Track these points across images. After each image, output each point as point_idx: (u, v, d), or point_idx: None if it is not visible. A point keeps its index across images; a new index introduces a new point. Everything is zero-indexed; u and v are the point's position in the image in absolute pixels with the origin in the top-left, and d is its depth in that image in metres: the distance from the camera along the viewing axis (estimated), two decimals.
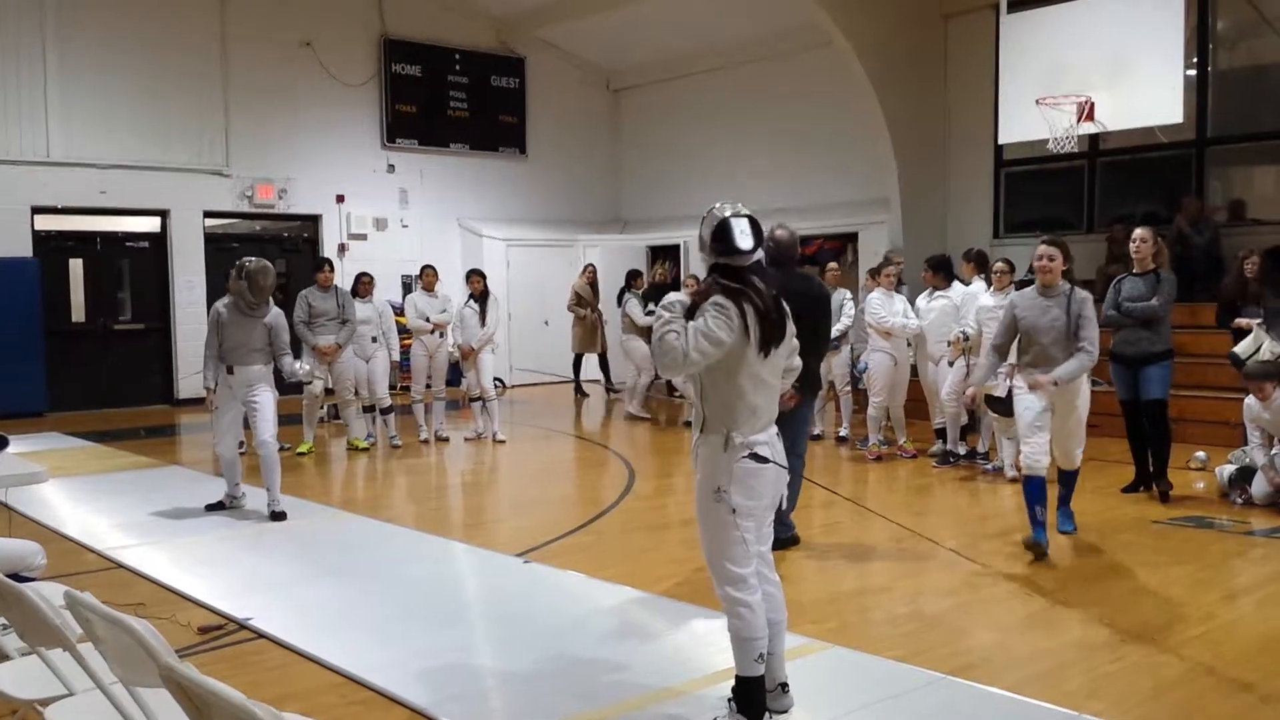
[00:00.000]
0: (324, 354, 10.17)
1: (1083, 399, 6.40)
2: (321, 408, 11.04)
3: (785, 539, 6.22)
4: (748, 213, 3.80)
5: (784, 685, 3.97)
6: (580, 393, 15.34)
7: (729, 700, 3.80)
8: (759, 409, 3.77)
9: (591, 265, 15.43)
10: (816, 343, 6.21)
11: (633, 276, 13.34)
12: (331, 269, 10.61)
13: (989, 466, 8.87)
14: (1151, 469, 7.82)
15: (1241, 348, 7.94)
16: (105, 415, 13.65)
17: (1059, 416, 6.34)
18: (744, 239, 3.73)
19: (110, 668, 2.60)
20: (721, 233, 3.74)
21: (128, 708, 2.66)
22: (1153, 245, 7.67)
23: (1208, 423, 9.33)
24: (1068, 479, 6.74)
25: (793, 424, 5.89)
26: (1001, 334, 6.55)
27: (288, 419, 11.01)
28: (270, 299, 7.73)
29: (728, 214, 3.78)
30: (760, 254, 3.80)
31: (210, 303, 10.33)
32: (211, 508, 7.75)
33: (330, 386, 10.32)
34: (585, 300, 15.04)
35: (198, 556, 6.60)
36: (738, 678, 3.76)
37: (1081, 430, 6.49)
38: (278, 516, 7.46)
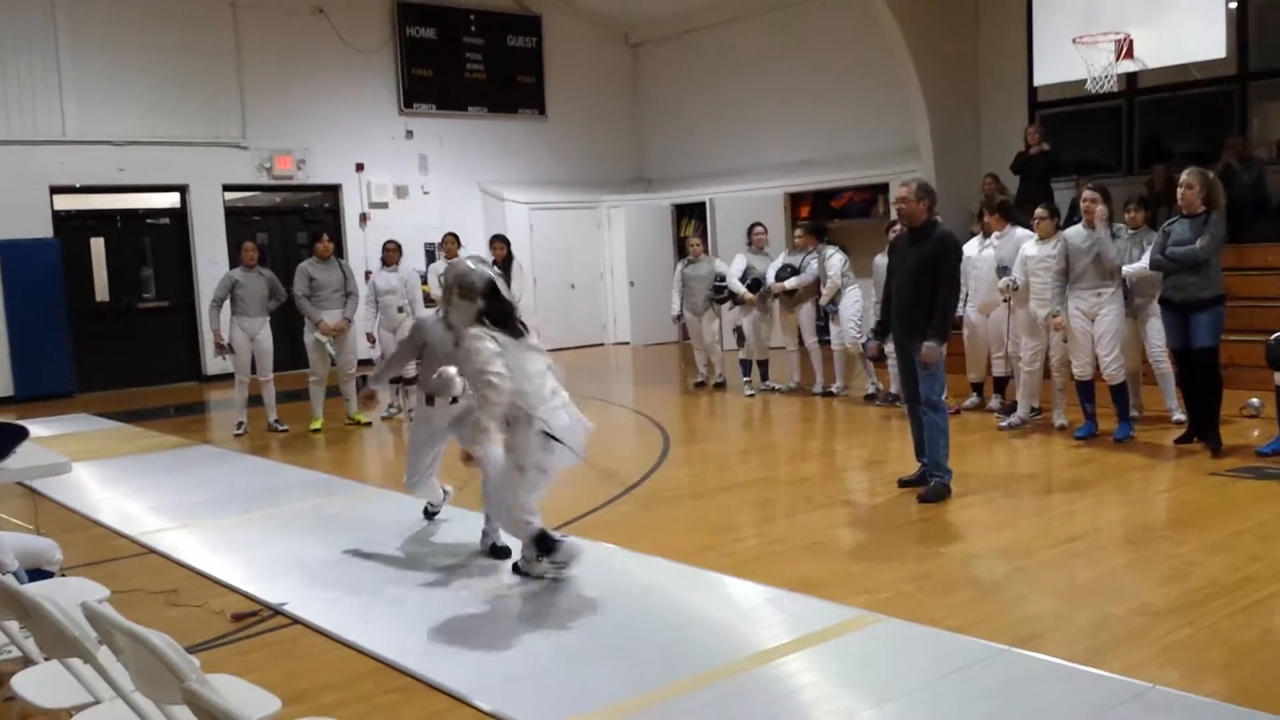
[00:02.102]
0: (333, 331, 9.95)
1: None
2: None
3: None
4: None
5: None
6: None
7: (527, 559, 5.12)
8: None
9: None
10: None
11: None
12: (330, 239, 10.44)
13: (1006, 423, 8.63)
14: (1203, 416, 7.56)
15: None
16: (134, 394, 13.62)
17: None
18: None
19: (133, 679, 2.44)
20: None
21: (155, 719, 2.51)
22: (1200, 189, 7.31)
23: (1259, 367, 9.02)
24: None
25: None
26: None
27: (288, 396, 10.94)
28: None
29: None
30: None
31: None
32: (430, 515, 6.66)
33: (335, 361, 10.01)
34: None
35: (229, 539, 6.49)
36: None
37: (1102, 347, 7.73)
38: (499, 552, 5.79)
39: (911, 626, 4.40)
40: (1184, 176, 7.44)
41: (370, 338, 10.60)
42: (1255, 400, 8.52)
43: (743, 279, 11.09)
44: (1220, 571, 4.94)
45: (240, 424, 10.25)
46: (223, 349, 10.09)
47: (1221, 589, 4.70)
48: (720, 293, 11.34)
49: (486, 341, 4.89)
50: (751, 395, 11.13)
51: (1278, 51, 11.65)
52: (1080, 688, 3.78)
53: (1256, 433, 7.94)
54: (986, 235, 9.10)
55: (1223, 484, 6.62)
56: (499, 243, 10.92)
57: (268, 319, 10.12)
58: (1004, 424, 8.64)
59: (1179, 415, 8.12)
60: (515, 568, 5.37)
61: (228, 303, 9.99)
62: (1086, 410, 8.06)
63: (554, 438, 4.98)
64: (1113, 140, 12.87)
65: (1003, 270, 8.75)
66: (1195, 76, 11.37)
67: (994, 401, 9.32)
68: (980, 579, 5.11)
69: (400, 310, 10.48)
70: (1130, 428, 7.94)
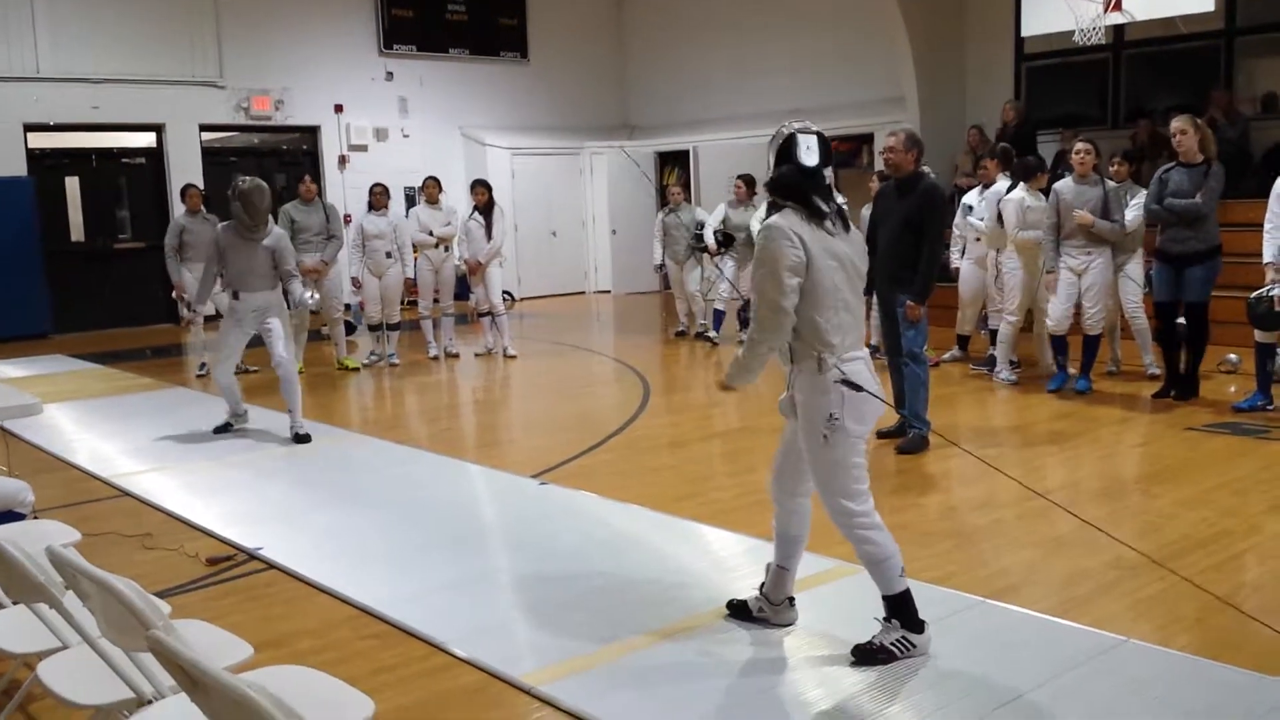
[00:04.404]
0: (310, 273, 9.81)
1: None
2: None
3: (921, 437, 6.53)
4: (815, 129, 3.72)
5: (791, 599, 3.99)
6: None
7: (884, 619, 3.66)
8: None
9: None
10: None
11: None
12: (313, 180, 10.29)
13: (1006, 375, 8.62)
14: (1183, 370, 7.59)
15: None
16: (110, 336, 13.49)
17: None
18: (809, 155, 3.64)
19: (99, 625, 2.41)
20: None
21: (121, 664, 2.48)
22: (1195, 135, 7.21)
23: (1239, 324, 9.04)
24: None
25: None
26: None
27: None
28: (269, 220, 7.37)
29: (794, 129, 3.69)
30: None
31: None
32: (220, 430, 7.57)
33: (316, 308, 9.87)
34: None
35: (206, 482, 6.45)
36: (887, 597, 3.66)
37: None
38: (301, 439, 7.28)
39: None
40: (1175, 124, 7.31)
41: (355, 282, 10.49)
42: (1233, 356, 8.56)
43: (720, 230, 11.04)
44: (1194, 526, 4.97)
45: (203, 365, 10.21)
46: (182, 300, 10.09)
47: (1195, 543, 4.73)
48: (701, 241, 11.29)
49: (781, 243, 3.52)
50: (716, 344, 11.18)
51: (1265, 6, 11.57)
52: (1055, 640, 3.80)
53: (1234, 388, 7.98)
54: (987, 185, 8.99)
55: (1199, 439, 6.65)
56: (480, 188, 10.78)
57: None
58: (1004, 376, 8.56)
59: (1154, 370, 8.15)
60: (857, 648, 3.66)
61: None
62: (1059, 362, 8.07)
63: (856, 386, 3.58)
64: (1099, 93, 12.80)
65: (968, 209, 8.78)
66: (1182, 30, 11.28)
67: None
68: (957, 531, 5.13)
69: (389, 255, 10.33)
70: (1089, 382, 7.97)
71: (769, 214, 3.68)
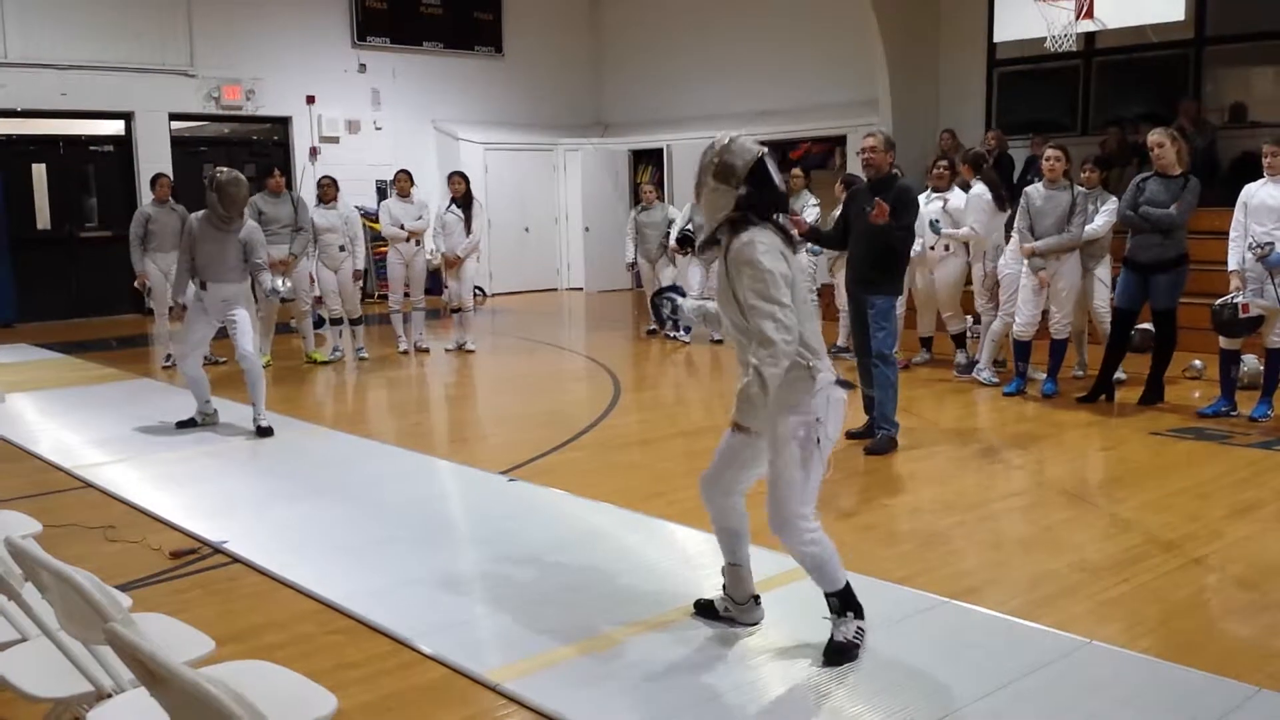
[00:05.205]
0: (278, 266, 9.71)
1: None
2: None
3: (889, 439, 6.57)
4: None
5: (757, 597, 3.99)
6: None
7: (833, 614, 3.71)
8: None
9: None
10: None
11: None
12: (282, 173, 10.21)
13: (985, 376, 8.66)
14: (1149, 374, 7.69)
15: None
16: (76, 325, 13.35)
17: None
18: (778, 176, 3.73)
19: (58, 618, 2.38)
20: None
21: (80, 658, 2.45)
22: (1173, 147, 7.27)
23: (1205, 330, 9.14)
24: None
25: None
26: None
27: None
28: (244, 212, 7.35)
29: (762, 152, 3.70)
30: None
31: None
32: (183, 425, 7.47)
33: (290, 296, 9.74)
34: None
35: (171, 474, 6.38)
36: (833, 594, 3.72)
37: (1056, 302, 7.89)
38: (264, 432, 7.21)
39: (854, 577, 4.36)
40: (1154, 137, 7.38)
41: (310, 277, 10.36)
42: (1198, 362, 8.65)
43: (686, 231, 11.07)
44: (1157, 530, 5.01)
45: (168, 356, 10.10)
46: (145, 289, 10.12)
47: (1158, 547, 4.78)
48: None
49: (772, 258, 3.51)
50: (687, 341, 11.20)
51: (1235, 16, 11.69)
52: (1018, 641, 3.82)
53: (1198, 394, 8.07)
54: (937, 189, 9.01)
55: (1164, 443, 6.72)
56: (458, 178, 10.71)
57: None
58: (985, 376, 8.58)
59: (1121, 375, 8.22)
60: (827, 651, 3.67)
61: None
62: (1019, 368, 8.15)
63: (848, 384, 3.71)
64: (1069, 100, 12.90)
65: (933, 225, 8.72)
66: (1152, 39, 11.40)
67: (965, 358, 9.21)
68: (923, 531, 5.15)
69: (341, 249, 10.21)
70: (1056, 385, 8.05)
71: (738, 230, 3.61)
